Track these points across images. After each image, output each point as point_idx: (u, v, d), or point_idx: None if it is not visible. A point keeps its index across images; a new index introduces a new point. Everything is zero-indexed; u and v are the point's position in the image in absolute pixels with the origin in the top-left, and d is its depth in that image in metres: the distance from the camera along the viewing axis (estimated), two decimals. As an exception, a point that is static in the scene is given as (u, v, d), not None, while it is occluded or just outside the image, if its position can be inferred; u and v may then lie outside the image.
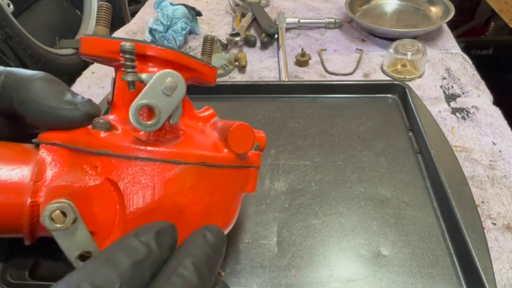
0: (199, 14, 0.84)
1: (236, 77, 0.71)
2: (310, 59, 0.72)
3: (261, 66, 0.73)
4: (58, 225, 0.22)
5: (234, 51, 0.78)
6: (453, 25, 0.87)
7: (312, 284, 0.38)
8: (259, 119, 0.58)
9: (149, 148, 0.25)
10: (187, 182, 0.26)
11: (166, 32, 0.76)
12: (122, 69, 0.25)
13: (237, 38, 0.76)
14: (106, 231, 0.24)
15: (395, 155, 0.51)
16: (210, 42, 0.35)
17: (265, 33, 0.79)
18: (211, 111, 0.34)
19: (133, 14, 0.95)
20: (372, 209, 0.45)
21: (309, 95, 0.62)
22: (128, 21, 0.93)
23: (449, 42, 0.78)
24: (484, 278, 0.35)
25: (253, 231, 0.43)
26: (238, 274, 0.39)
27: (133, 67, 0.25)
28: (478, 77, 0.68)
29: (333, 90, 0.61)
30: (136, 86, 0.25)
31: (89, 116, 0.26)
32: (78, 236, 0.22)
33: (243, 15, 0.86)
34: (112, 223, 0.25)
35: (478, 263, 0.36)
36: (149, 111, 0.25)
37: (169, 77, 0.25)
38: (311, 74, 0.71)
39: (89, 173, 0.25)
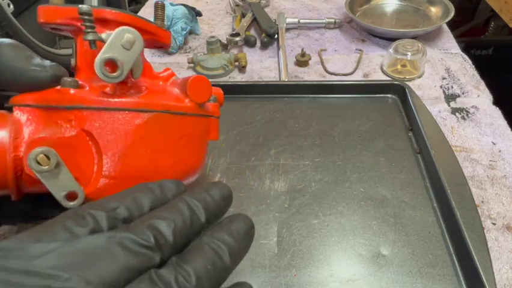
0: (199, 14, 0.84)
1: (236, 77, 0.71)
2: (310, 59, 0.72)
3: (261, 66, 0.73)
4: (44, 167, 0.24)
5: (234, 51, 0.78)
6: (453, 25, 0.87)
7: (312, 284, 0.38)
8: (259, 119, 0.58)
9: (117, 99, 0.28)
10: (155, 127, 0.29)
11: (166, 32, 0.76)
12: (83, 30, 0.28)
13: (237, 38, 0.76)
14: (87, 175, 0.27)
15: (395, 155, 0.51)
16: (161, 8, 0.39)
17: (265, 33, 0.79)
18: (170, 71, 0.37)
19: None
20: (372, 209, 0.45)
21: (309, 95, 0.62)
22: (128, 21, 0.93)
23: (449, 42, 0.78)
24: (483, 278, 0.35)
25: (253, 231, 0.43)
26: (238, 274, 0.39)
27: (93, 27, 0.28)
28: (477, 77, 0.68)
29: (333, 90, 0.61)
30: (97, 45, 0.28)
31: (57, 76, 0.28)
32: (62, 177, 0.26)
33: (243, 15, 0.86)
34: (91, 169, 0.28)
35: (478, 263, 0.36)
36: (113, 65, 0.27)
37: (127, 33, 0.27)
38: (311, 74, 0.71)
39: (64, 127, 0.27)
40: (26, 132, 0.27)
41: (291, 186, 0.47)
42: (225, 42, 0.77)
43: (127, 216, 0.18)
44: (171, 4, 0.80)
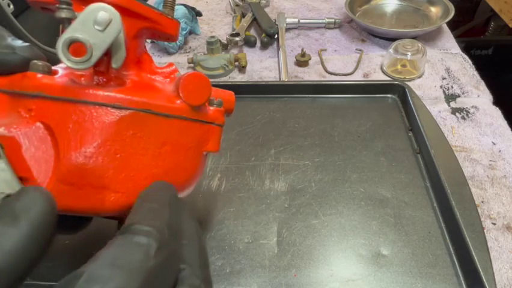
0: (199, 14, 0.84)
1: (236, 77, 0.71)
2: (310, 59, 0.72)
3: (261, 66, 0.73)
4: None
5: (234, 51, 0.78)
6: (453, 25, 0.87)
7: (312, 284, 0.38)
8: (259, 119, 0.58)
9: (86, 91, 0.23)
10: (129, 128, 0.24)
11: (166, 32, 0.76)
12: (56, 5, 0.23)
13: (237, 38, 0.76)
14: (40, 178, 0.23)
15: (395, 155, 0.51)
16: None
17: (265, 33, 0.79)
18: (173, 67, 0.32)
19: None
20: (372, 209, 0.45)
21: (309, 95, 0.62)
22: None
23: (449, 42, 0.78)
24: (483, 278, 0.35)
25: (253, 231, 0.43)
26: (238, 274, 0.39)
27: (68, 3, 0.24)
28: (477, 77, 0.68)
29: (333, 91, 0.61)
30: None
31: (28, 60, 0.24)
32: (2, 177, 0.21)
33: (243, 16, 0.86)
34: (46, 170, 0.23)
35: (477, 263, 0.36)
36: (80, 48, 0.22)
37: (102, 10, 0.23)
38: (311, 74, 0.71)
39: (23, 117, 0.23)
40: None
41: (291, 186, 0.47)
42: (225, 42, 0.77)
43: None
44: (171, 4, 0.80)
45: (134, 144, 0.25)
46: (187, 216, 0.22)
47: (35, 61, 0.24)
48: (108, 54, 0.25)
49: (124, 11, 0.26)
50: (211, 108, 0.31)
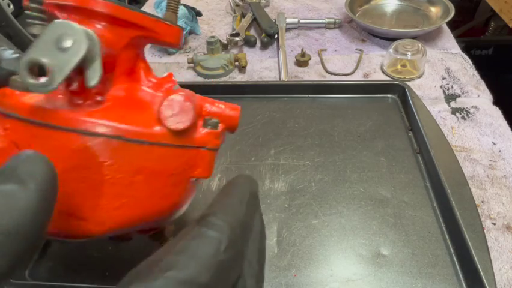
0: (199, 14, 0.84)
1: (236, 77, 0.71)
2: (310, 59, 0.72)
3: (261, 66, 0.73)
4: None
5: (234, 51, 0.78)
6: (453, 25, 0.87)
7: (312, 284, 0.38)
8: (259, 119, 0.58)
9: (57, 114, 0.22)
10: (96, 156, 0.23)
11: (166, 32, 0.76)
12: (28, 20, 0.22)
13: (237, 38, 0.76)
14: None
15: (395, 155, 0.51)
16: None
17: (265, 33, 0.79)
18: (171, 79, 0.29)
19: (133, 14, 0.96)
20: (372, 209, 0.45)
21: (309, 95, 0.62)
22: (128, 21, 0.93)
23: (449, 42, 0.78)
24: (484, 278, 0.35)
25: (253, 231, 0.43)
26: (238, 274, 0.39)
27: (41, 18, 0.23)
28: (477, 77, 0.68)
29: (333, 91, 0.61)
30: None
31: (13, 74, 0.23)
32: None
33: (243, 15, 0.86)
34: None
35: (477, 263, 0.36)
36: (40, 69, 0.21)
37: (65, 29, 0.21)
38: (311, 74, 0.71)
39: (1, 135, 0.23)
40: None
41: (291, 186, 0.47)
42: (225, 42, 0.77)
43: None
44: (171, 4, 0.80)
45: (104, 172, 0.23)
46: (258, 217, 0.22)
47: (15, 77, 0.23)
48: (82, 72, 0.23)
49: (112, 19, 0.24)
50: (204, 130, 0.27)
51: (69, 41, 0.21)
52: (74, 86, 0.24)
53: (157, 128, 0.25)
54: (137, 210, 0.24)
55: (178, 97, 0.25)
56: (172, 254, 0.16)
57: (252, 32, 0.84)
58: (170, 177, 0.25)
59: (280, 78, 0.69)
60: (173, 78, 0.29)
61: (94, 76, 0.22)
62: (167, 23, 0.28)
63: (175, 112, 0.25)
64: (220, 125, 0.28)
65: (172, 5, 0.30)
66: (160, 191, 0.25)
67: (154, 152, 0.24)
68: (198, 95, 0.29)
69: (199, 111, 0.27)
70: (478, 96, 0.64)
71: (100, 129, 0.23)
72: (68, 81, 0.23)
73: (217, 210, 0.19)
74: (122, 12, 0.25)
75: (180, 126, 0.25)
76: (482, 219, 0.42)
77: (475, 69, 0.70)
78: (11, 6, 0.99)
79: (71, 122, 0.22)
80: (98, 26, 0.24)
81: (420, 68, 0.68)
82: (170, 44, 0.29)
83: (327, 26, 0.84)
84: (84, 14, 0.24)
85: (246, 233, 0.20)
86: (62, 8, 0.24)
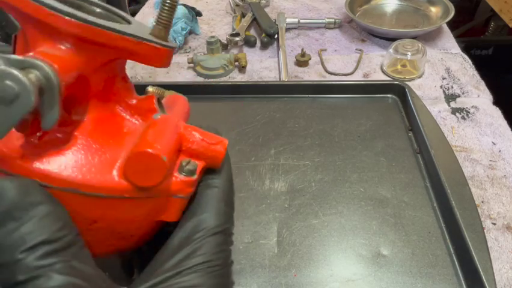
0: (199, 14, 0.84)
1: (236, 77, 0.71)
2: (310, 59, 0.72)
3: (261, 66, 0.73)
4: None
5: (234, 51, 0.78)
6: (453, 25, 0.87)
7: (312, 284, 0.38)
8: (259, 119, 0.58)
9: (9, 159, 0.20)
10: None
11: (166, 32, 0.76)
12: None
13: (237, 38, 0.76)
14: None
15: (395, 155, 0.51)
16: (169, 8, 0.23)
17: (265, 33, 0.79)
18: (152, 102, 0.25)
19: (133, 14, 0.95)
20: (372, 209, 0.45)
21: (309, 95, 0.62)
22: (128, 21, 0.93)
23: (449, 42, 0.78)
24: (484, 278, 0.35)
25: (253, 231, 0.43)
26: (238, 274, 0.39)
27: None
28: (477, 77, 0.68)
29: (333, 90, 0.61)
30: None
31: None
32: None
33: (243, 15, 0.86)
34: None
35: (478, 263, 0.36)
36: None
37: (7, 80, 0.18)
38: (311, 74, 0.71)
39: None
40: None
41: (291, 186, 0.47)
42: (225, 42, 0.77)
43: None
44: (171, 4, 0.80)
45: None
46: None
47: None
48: (38, 114, 0.20)
49: (81, 41, 0.21)
50: (179, 177, 0.23)
51: (11, 94, 0.18)
52: (23, 131, 0.21)
53: (120, 181, 0.21)
54: (95, 250, 0.22)
55: (147, 154, 0.21)
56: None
57: (252, 32, 0.84)
58: (133, 222, 0.23)
59: (280, 78, 0.69)
60: (155, 104, 0.25)
61: (49, 120, 0.20)
62: (152, 44, 0.23)
63: (144, 168, 0.21)
64: (198, 167, 0.24)
65: (163, 18, 0.24)
66: (120, 234, 0.23)
67: (116, 204, 0.22)
68: (182, 123, 0.25)
69: (176, 149, 0.24)
70: (478, 96, 0.64)
71: (54, 181, 0.20)
72: (22, 122, 0.20)
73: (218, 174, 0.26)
74: (96, 34, 0.21)
75: (147, 183, 0.21)
76: (482, 219, 0.42)
77: (475, 69, 0.70)
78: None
79: (22, 170, 0.20)
80: (63, 48, 0.21)
81: (420, 68, 0.68)
82: (155, 65, 0.25)
83: (327, 26, 0.84)
84: (46, 31, 0.21)
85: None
86: (22, 16, 0.21)
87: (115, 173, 0.21)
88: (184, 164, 0.24)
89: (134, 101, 0.25)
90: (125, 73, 0.26)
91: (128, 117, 0.24)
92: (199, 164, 0.24)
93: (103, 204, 0.21)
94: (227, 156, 0.27)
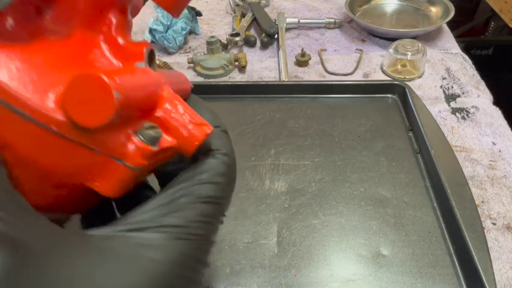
0: (199, 14, 0.84)
1: (236, 77, 0.71)
2: (310, 59, 0.72)
3: (261, 66, 0.73)
4: None
5: (234, 51, 0.78)
6: (453, 25, 0.87)
7: (312, 284, 0.38)
8: (259, 119, 0.58)
9: None
10: None
11: (166, 32, 0.76)
12: None
13: (237, 38, 0.76)
14: None
15: (395, 155, 0.51)
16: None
17: (265, 33, 0.79)
18: (142, 48, 0.21)
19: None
20: (372, 209, 0.45)
21: (309, 95, 0.62)
22: (128, 21, 0.93)
23: (449, 42, 0.78)
24: (484, 278, 0.35)
25: (253, 231, 0.43)
26: (238, 274, 0.39)
27: None
28: (478, 77, 0.68)
29: (333, 91, 0.61)
30: None
31: None
32: None
33: (243, 15, 0.86)
34: None
35: (478, 263, 0.36)
36: None
37: None
38: (311, 74, 0.71)
39: None
40: None
41: (291, 186, 0.47)
42: (225, 42, 0.77)
43: None
44: (171, 4, 0.80)
45: None
46: None
47: None
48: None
49: None
50: (135, 139, 0.19)
51: None
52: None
53: (53, 107, 0.16)
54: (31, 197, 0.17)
55: (100, 75, 0.16)
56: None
57: (252, 32, 0.83)
58: (50, 171, 0.17)
59: (280, 78, 0.69)
60: (145, 51, 0.21)
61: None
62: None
63: (84, 99, 0.16)
64: (163, 142, 0.20)
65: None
66: (27, 183, 0.17)
67: (34, 132, 0.16)
68: (168, 88, 0.21)
69: (140, 100, 0.19)
70: (478, 96, 0.64)
71: None
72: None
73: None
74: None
75: (86, 122, 0.16)
76: (482, 219, 0.42)
77: (475, 69, 0.70)
78: (11, 6, 0.98)
79: None
80: None
81: (420, 68, 0.68)
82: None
83: (327, 26, 0.84)
84: None
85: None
86: None
87: (51, 96, 0.16)
88: (147, 127, 0.19)
89: (122, 42, 0.21)
90: (126, 6, 0.22)
91: (108, 54, 0.20)
92: (168, 141, 0.20)
93: (20, 126, 0.16)
94: (227, 136, 0.28)
